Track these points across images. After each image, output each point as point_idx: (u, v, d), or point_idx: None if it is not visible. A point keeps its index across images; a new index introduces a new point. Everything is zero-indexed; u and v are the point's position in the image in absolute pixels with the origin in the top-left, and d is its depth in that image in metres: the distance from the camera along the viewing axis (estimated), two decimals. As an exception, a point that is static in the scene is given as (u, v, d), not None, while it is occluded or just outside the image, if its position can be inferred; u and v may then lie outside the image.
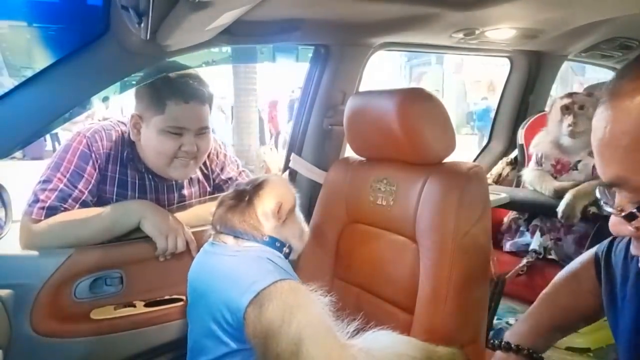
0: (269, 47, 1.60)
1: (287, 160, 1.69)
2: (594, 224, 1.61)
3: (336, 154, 1.66)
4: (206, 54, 1.51)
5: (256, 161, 9.27)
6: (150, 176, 1.39)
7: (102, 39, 1.15)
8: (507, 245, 1.83)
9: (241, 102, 9.14)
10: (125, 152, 1.35)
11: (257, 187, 1.05)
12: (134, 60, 1.21)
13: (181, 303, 1.39)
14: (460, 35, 1.54)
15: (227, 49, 1.50)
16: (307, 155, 1.65)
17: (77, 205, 1.26)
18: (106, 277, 1.29)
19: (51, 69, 1.14)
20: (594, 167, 1.60)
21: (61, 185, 1.24)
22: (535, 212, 1.79)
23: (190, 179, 1.48)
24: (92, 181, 1.28)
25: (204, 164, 1.49)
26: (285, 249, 1.06)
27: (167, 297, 1.38)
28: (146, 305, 1.34)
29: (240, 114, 9.21)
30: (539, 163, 1.79)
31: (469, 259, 1.08)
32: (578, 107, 1.65)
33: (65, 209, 1.24)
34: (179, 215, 1.37)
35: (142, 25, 0.92)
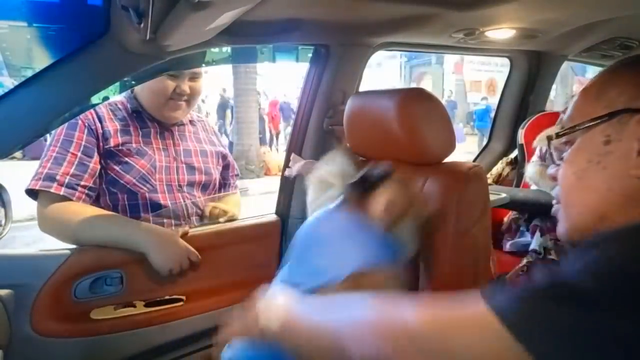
0: (269, 47, 1.60)
1: (287, 160, 1.69)
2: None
3: (336, 154, 1.66)
4: (206, 54, 1.51)
5: (256, 161, 9.28)
6: (155, 124, 1.48)
7: (102, 39, 1.15)
8: (507, 245, 1.83)
9: (241, 102, 9.14)
10: (130, 105, 1.46)
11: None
12: (134, 60, 1.21)
13: (181, 303, 1.39)
14: (460, 35, 1.54)
15: (227, 49, 1.50)
16: (307, 155, 1.65)
17: (92, 180, 1.34)
18: (106, 277, 1.29)
19: (51, 69, 1.14)
20: None
21: (76, 161, 1.32)
22: (536, 212, 1.79)
23: (201, 144, 1.57)
24: (101, 152, 1.37)
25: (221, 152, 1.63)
26: None
27: (167, 297, 1.38)
28: (146, 305, 1.34)
29: (240, 114, 9.21)
30: (542, 158, 1.79)
31: (469, 259, 1.08)
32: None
33: (83, 186, 1.32)
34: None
35: (142, 25, 0.92)
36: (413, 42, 1.72)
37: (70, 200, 1.30)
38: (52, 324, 1.22)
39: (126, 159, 1.39)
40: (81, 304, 1.27)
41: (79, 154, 1.33)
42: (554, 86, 2.33)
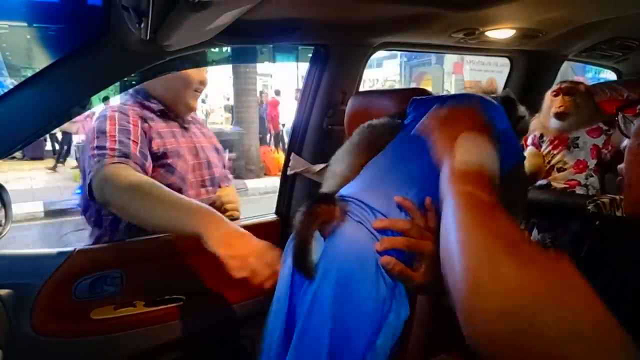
0: (269, 47, 1.60)
1: (287, 160, 1.69)
2: (592, 223, 1.61)
3: (336, 154, 1.66)
4: (206, 54, 1.51)
5: (256, 161, 9.28)
6: (176, 122, 1.48)
7: (102, 39, 1.15)
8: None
9: (241, 102, 9.14)
10: (154, 106, 1.43)
11: None
12: (134, 60, 1.21)
13: (181, 303, 1.39)
14: (460, 35, 1.54)
15: (227, 49, 1.50)
16: (307, 155, 1.65)
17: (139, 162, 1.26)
18: (106, 277, 1.29)
19: (51, 69, 1.14)
20: (592, 147, 1.61)
21: (137, 147, 1.28)
22: (534, 210, 1.79)
23: (209, 140, 1.59)
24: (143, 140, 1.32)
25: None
26: None
27: (167, 297, 1.38)
28: (146, 305, 1.34)
29: (240, 114, 9.21)
30: (536, 145, 1.81)
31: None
32: (565, 92, 1.68)
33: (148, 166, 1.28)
34: None
35: (142, 25, 0.92)
36: (413, 42, 1.72)
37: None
38: (52, 324, 1.22)
39: (168, 161, 1.36)
40: (81, 304, 1.27)
41: (139, 142, 1.30)
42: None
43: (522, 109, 1.06)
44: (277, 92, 12.64)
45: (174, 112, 1.46)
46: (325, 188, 0.97)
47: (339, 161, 1.03)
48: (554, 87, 1.74)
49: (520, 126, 1.03)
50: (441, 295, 0.72)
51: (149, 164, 1.29)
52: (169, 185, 1.18)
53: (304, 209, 0.83)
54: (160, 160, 1.35)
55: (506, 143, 0.87)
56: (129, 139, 1.27)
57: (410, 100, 1.03)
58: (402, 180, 0.86)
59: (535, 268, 0.47)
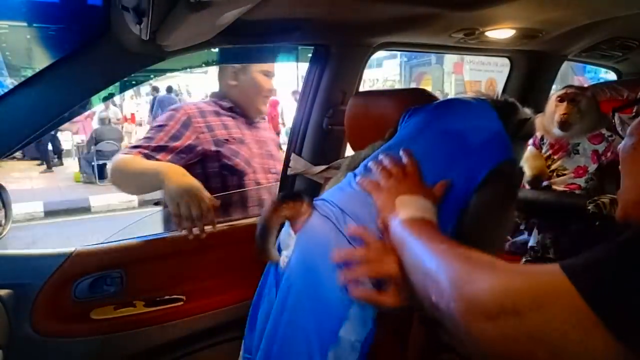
0: (269, 47, 1.60)
1: (287, 160, 1.69)
2: (592, 223, 1.61)
3: (336, 154, 1.66)
4: (206, 54, 1.51)
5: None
6: (243, 119, 1.72)
7: (102, 39, 1.15)
8: (506, 245, 1.83)
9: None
10: (224, 103, 1.69)
11: None
12: (134, 60, 1.21)
13: (181, 303, 1.39)
14: (460, 35, 1.54)
15: (227, 49, 1.50)
16: (307, 155, 1.66)
17: (167, 158, 1.49)
18: (106, 277, 1.29)
19: (51, 69, 1.14)
20: (593, 152, 1.60)
21: (161, 143, 1.50)
22: (534, 211, 1.79)
23: (271, 135, 1.86)
24: (188, 142, 1.53)
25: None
26: None
27: (167, 297, 1.38)
28: (146, 305, 1.34)
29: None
30: (536, 146, 1.80)
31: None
32: (570, 99, 1.66)
33: (159, 159, 1.47)
34: None
35: (142, 25, 0.92)
36: (413, 42, 1.72)
37: None
38: (52, 324, 1.22)
39: (233, 146, 1.62)
40: (81, 304, 1.27)
41: (166, 138, 1.51)
42: (554, 86, 2.33)
43: (526, 112, 1.06)
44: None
45: (246, 113, 1.72)
46: None
47: (332, 183, 1.06)
48: (560, 91, 1.71)
49: (525, 130, 1.03)
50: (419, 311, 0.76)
51: (163, 155, 1.49)
52: (234, 166, 1.59)
53: (270, 204, 0.88)
54: (225, 145, 1.60)
55: (488, 144, 0.89)
56: (155, 136, 1.51)
57: (403, 114, 1.05)
58: (356, 200, 0.89)
59: (514, 272, 0.55)
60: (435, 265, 0.63)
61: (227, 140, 1.61)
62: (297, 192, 0.95)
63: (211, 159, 1.57)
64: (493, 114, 0.94)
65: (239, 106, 1.71)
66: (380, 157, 0.92)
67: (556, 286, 0.49)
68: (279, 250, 0.90)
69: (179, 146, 1.52)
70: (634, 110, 0.68)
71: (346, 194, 0.92)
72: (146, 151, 1.47)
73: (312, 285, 0.80)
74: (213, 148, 1.57)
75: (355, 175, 0.94)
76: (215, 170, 1.58)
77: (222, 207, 1.38)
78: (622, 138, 0.70)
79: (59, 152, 9.67)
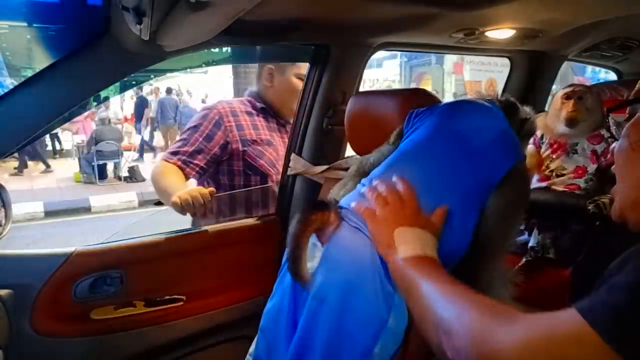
0: (269, 47, 1.60)
1: (287, 160, 1.69)
2: (592, 223, 1.61)
3: (336, 154, 1.66)
4: (206, 54, 1.51)
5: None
6: (275, 120, 1.80)
7: (102, 39, 1.15)
8: (507, 245, 1.83)
9: (241, 102, 9.12)
10: (258, 104, 1.77)
11: None
12: (134, 60, 1.21)
13: (181, 303, 1.39)
14: (460, 35, 1.54)
15: (227, 49, 1.50)
16: (307, 155, 1.65)
17: (204, 162, 1.62)
18: (106, 277, 1.29)
19: (51, 69, 1.14)
20: (592, 152, 1.60)
21: (196, 146, 1.62)
22: (534, 211, 1.78)
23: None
24: (220, 142, 1.64)
25: None
26: None
27: (167, 297, 1.38)
28: (146, 305, 1.34)
29: (240, 114, 9.19)
30: (536, 145, 1.80)
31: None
32: (578, 97, 1.66)
33: (195, 164, 1.62)
34: None
35: (142, 25, 0.92)
36: (413, 42, 1.72)
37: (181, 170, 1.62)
38: (52, 324, 1.22)
39: (259, 147, 1.69)
40: (81, 304, 1.27)
41: (201, 139, 1.63)
42: (554, 86, 2.33)
43: (526, 111, 1.06)
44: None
45: (279, 114, 1.79)
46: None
47: (338, 188, 1.06)
48: (567, 89, 1.71)
49: (526, 129, 1.03)
50: None
51: (200, 159, 1.62)
52: (258, 167, 1.68)
53: (299, 216, 0.84)
54: (251, 146, 1.68)
55: (501, 144, 0.89)
56: (191, 137, 1.63)
57: (408, 116, 1.04)
58: None
59: (530, 329, 0.53)
60: (448, 315, 0.61)
61: (254, 141, 1.69)
62: (323, 201, 0.91)
63: (237, 157, 1.67)
64: (500, 114, 0.95)
65: (272, 107, 1.78)
66: (375, 182, 0.89)
67: (579, 335, 0.48)
68: None
69: (213, 147, 1.64)
70: (627, 112, 0.67)
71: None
72: (184, 157, 1.61)
73: (345, 303, 0.78)
74: (240, 147, 1.66)
75: (363, 186, 0.93)
76: (240, 169, 1.68)
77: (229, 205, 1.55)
78: (616, 139, 0.70)
79: (59, 151, 9.66)
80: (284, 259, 0.90)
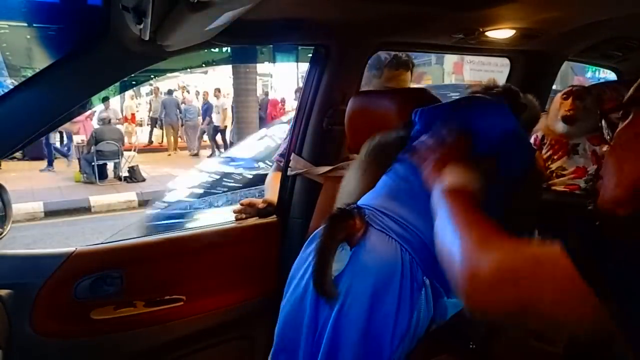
0: (269, 47, 1.60)
1: (287, 160, 1.69)
2: (592, 223, 1.61)
3: (336, 154, 1.66)
4: (206, 54, 1.51)
5: (256, 161, 9.27)
6: None
7: (102, 39, 1.15)
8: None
9: (241, 102, 9.13)
10: None
11: None
12: (134, 60, 1.21)
13: (181, 303, 1.39)
14: (460, 35, 1.54)
15: (227, 49, 1.50)
16: (307, 155, 1.65)
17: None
18: (106, 277, 1.29)
19: (51, 69, 1.14)
20: (592, 152, 1.60)
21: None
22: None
23: None
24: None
25: None
26: None
27: (167, 297, 1.38)
28: (146, 305, 1.34)
29: (240, 114, 9.20)
30: (537, 146, 1.80)
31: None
32: (576, 97, 1.66)
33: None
34: None
35: (142, 25, 0.92)
36: (413, 42, 1.72)
37: None
38: (52, 324, 1.22)
39: None
40: (81, 304, 1.27)
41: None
42: (554, 86, 2.33)
43: (528, 97, 1.08)
44: (266, 94, 12.92)
45: None
46: (340, 205, 0.98)
47: (351, 179, 1.06)
48: (566, 89, 1.72)
49: (527, 115, 1.05)
50: None
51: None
52: None
53: (325, 229, 0.86)
54: None
55: (514, 144, 0.91)
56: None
57: (415, 111, 1.05)
58: (406, 197, 0.91)
59: (515, 250, 0.62)
60: (450, 240, 0.68)
61: None
62: (345, 209, 0.91)
63: None
64: (504, 110, 0.99)
65: None
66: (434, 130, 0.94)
67: (554, 256, 0.54)
68: None
69: None
70: (620, 114, 0.68)
71: (389, 201, 0.92)
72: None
73: (373, 309, 0.80)
74: None
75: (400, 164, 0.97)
76: None
77: None
78: (609, 143, 0.71)
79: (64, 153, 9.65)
80: (295, 264, 0.91)
